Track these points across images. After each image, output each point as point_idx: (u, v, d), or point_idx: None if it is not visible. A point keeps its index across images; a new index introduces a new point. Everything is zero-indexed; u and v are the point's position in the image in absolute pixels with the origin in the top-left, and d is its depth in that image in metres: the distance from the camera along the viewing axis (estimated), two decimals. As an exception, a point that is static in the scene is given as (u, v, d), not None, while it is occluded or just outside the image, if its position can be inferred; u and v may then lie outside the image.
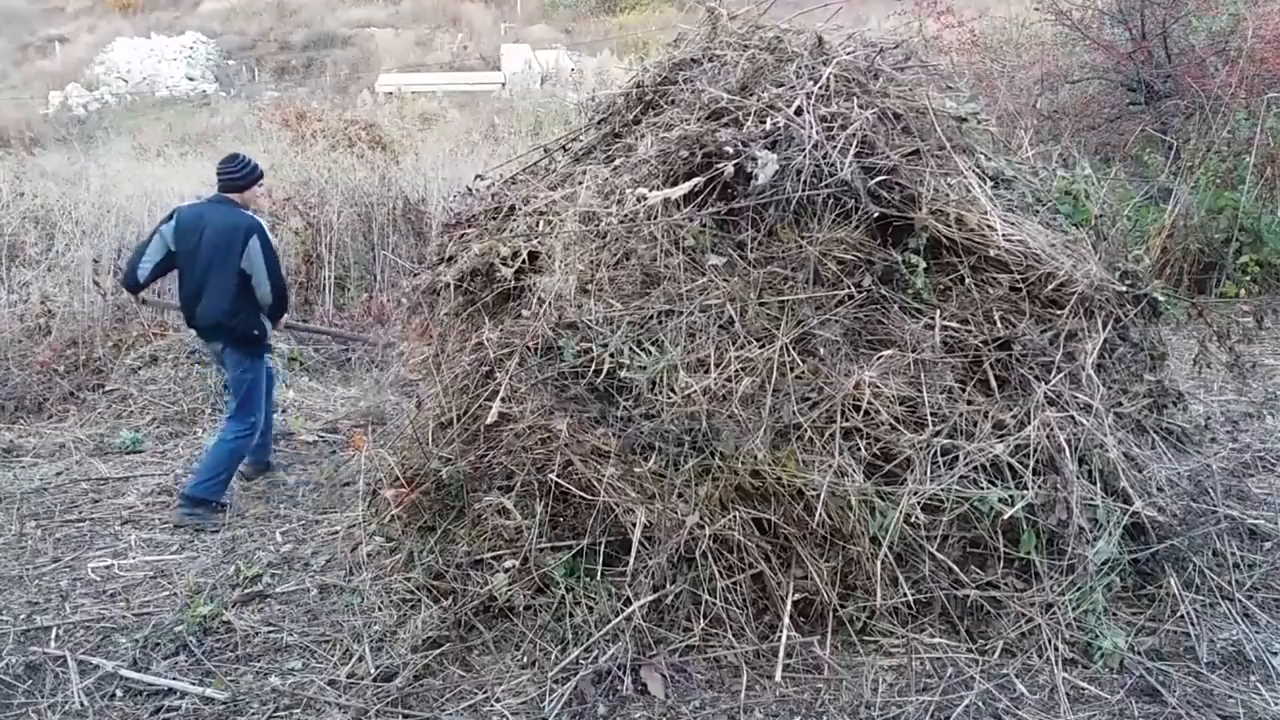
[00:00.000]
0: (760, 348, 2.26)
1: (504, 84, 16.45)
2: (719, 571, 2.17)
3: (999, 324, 2.39)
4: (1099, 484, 2.29)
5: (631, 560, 2.14)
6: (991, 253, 2.43)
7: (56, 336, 4.86)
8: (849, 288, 2.36)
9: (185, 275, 3.16)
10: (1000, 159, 2.84)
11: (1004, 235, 2.44)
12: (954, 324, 2.38)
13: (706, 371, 2.21)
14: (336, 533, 2.92)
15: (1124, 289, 2.59)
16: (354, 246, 6.13)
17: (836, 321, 2.34)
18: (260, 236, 3.13)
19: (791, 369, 2.26)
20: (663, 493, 2.15)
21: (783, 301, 2.32)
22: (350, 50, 23.04)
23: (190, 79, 21.12)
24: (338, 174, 6.46)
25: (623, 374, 2.21)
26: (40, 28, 24.57)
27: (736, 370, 2.21)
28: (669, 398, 2.18)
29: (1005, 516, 2.16)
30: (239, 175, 3.24)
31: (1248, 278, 5.08)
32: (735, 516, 2.17)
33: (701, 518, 2.15)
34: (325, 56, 22.64)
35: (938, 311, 2.38)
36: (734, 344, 2.27)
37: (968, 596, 2.19)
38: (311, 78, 21.11)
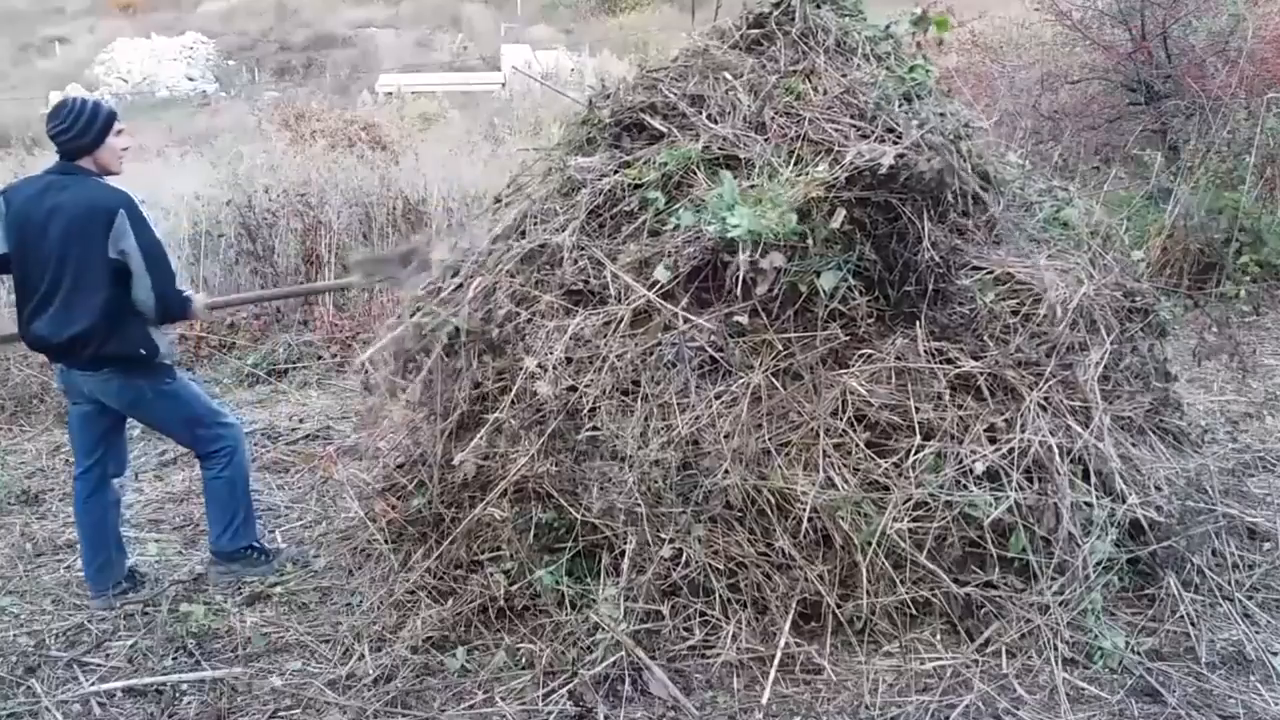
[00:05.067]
0: (741, 377, 2.26)
1: (504, 84, 16.46)
2: (716, 575, 2.17)
3: (990, 342, 2.37)
4: (1094, 484, 2.30)
5: (623, 580, 2.14)
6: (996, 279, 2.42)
7: (56, 337, 4.84)
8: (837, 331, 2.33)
9: (28, 281, 2.33)
10: (1021, 180, 2.79)
11: (1020, 273, 2.44)
12: (942, 343, 2.37)
13: (685, 411, 2.20)
14: (335, 535, 2.92)
15: (1128, 305, 2.59)
16: (355, 247, 6.13)
17: (816, 348, 2.33)
18: (131, 213, 2.27)
19: (771, 395, 2.26)
20: (650, 515, 2.15)
21: (763, 340, 2.31)
22: (350, 50, 23.06)
23: (190, 79, 21.14)
24: (337, 174, 6.46)
25: (606, 439, 2.19)
26: (40, 28, 24.57)
27: (717, 408, 2.21)
28: (644, 446, 2.18)
29: (989, 520, 2.16)
30: (76, 130, 2.30)
31: (1248, 278, 5.07)
32: (722, 531, 2.17)
33: (690, 536, 2.15)
34: (325, 57, 22.66)
35: (918, 322, 2.38)
36: (713, 382, 2.27)
37: (968, 598, 2.19)
38: (312, 78, 21.11)
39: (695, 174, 2.40)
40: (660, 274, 2.29)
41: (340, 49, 23.08)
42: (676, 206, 2.38)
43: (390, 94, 15.51)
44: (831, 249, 2.29)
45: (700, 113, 2.52)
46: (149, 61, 21.16)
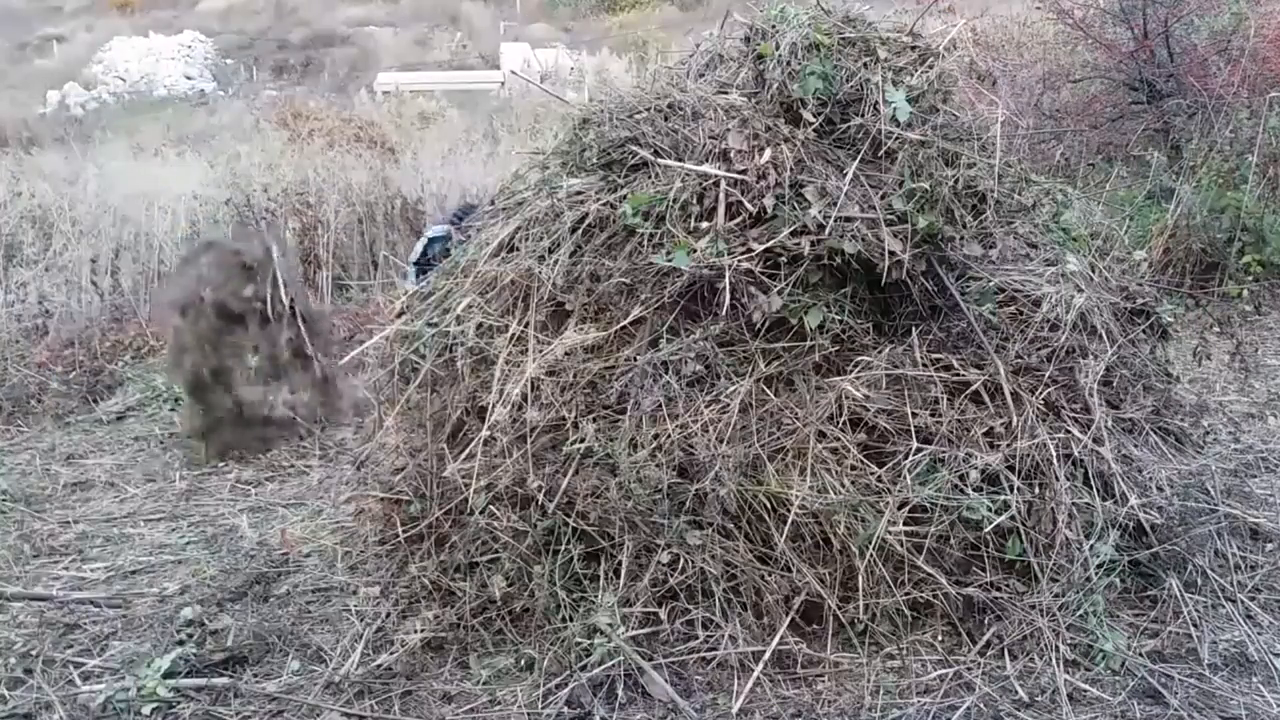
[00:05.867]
0: (731, 384, 2.26)
1: (503, 83, 16.41)
2: (715, 579, 2.16)
3: (989, 351, 2.36)
4: (1096, 486, 2.29)
5: (620, 586, 2.14)
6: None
7: (54, 337, 4.85)
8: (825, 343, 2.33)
9: None
10: (1019, 182, 2.76)
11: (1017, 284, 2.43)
12: (942, 354, 2.36)
13: (674, 418, 2.20)
14: (335, 535, 2.91)
15: (1129, 307, 2.58)
16: (353, 246, 6.11)
17: (808, 356, 2.32)
18: None
19: (763, 404, 2.26)
20: (644, 523, 2.15)
21: (756, 350, 2.31)
22: (349, 49, 23.02)
23: (188, 78, 21.10)
24: (336, 173, 6.45)
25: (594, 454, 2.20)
26: (38, 27, 24.53)
27: (709, 416, 2.21)
28: (633, 456, 2.17)
29: (988, 529, 2.16)
30: None
31: (1250, 278, 5.07)
32: (719, 537, 2.17)
33: (685, 541, 2.15)
34: (324, 55, 22.62)
35: (915, 330, 2.37)
36: (704, 391, 2.26)
37: (969, 600, 2.19)
38: (310, 76, 21.09)
39: (674, 206, 2.37)
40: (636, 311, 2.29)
41: (338, 47, 23.04)
42: (662, 230, 2.36)
43: (388, 92, 15.47)
44: (821, 286, 2.30)
45: (680, 149, 2.45)
46: (147, 60, 21.11)
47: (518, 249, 2.55)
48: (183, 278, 3.64)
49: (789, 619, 2.16)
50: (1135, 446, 2.46)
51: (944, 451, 2.24)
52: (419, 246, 4.11)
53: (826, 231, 2.26)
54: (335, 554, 2.76)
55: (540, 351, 2.34)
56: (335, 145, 7.93)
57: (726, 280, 2.23)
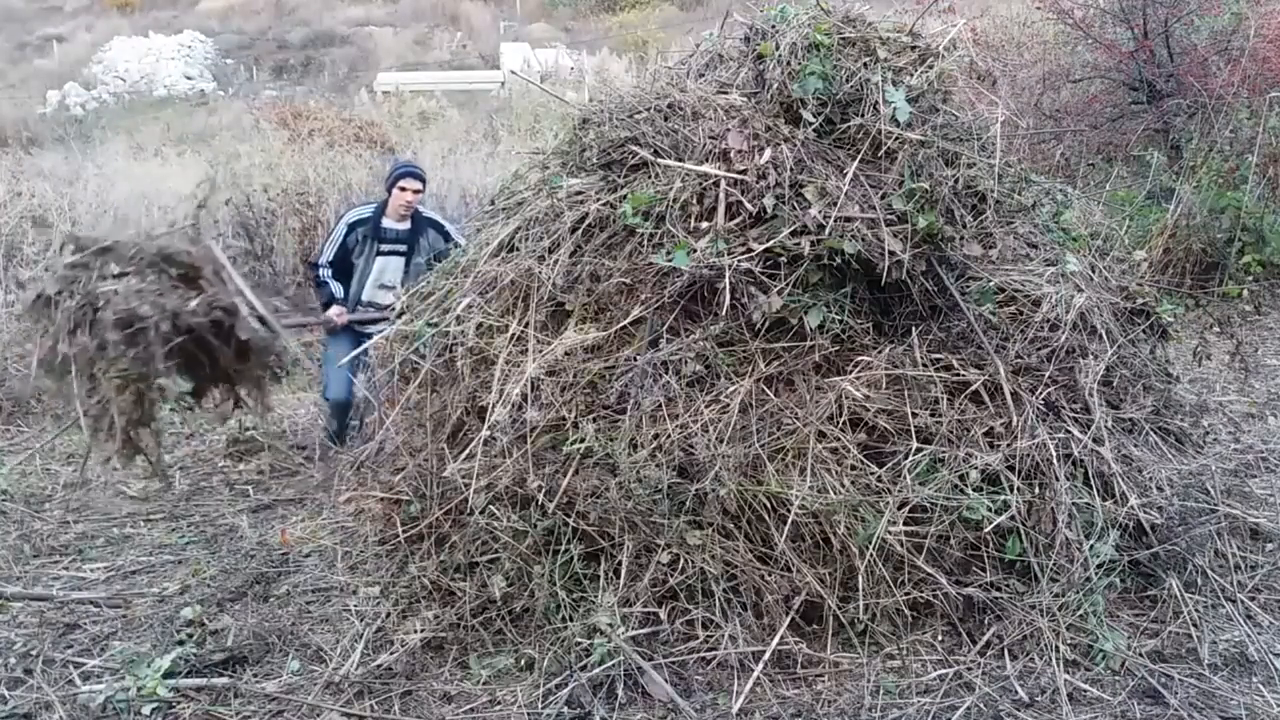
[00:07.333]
0: (731, 384, 2.26)
1: (503, 83, 16.42)
2: (715, 579, 2.16)
3: (989, 351, 2.36)
4: (1096, 486, 2.29)
5: (620, 586, 2.14)
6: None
7: (54, 336, 4.83)
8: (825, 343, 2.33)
9: None
10: (1019, 182, 2.75)
11: (1019, 283, 2.43)
12: (942, 354, 2.36)
13: (674, 418, 2.20)
14: (335, 535, 2.91)
15: (1129, 307, 2.58)
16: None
17: (808, 356, 2.32)
18: None
19: (763, 404, 2.26)
20: (645, 523, 2.15)
21: (756, 350, 2.31)
22: (348, 49, 23.03)
23: (188, 78, 21.10)
24: (336, 173, 6.45)
25: (594, 452, 2.19)
26: (38, 26, 24.55)
27: (709, 416, 2.21)
28: (633, 456, 2.17)
29: (988, 529, 2.16)
30: None
31: (1250, 278, 5.07)
32: (719, 536, 2.17)
33: (685, 541, 2.15)
34: (323, 55, 22.64)
35: (915, 330, 2.37)
36: (704, 391, 2.27)
37: (969, 600, 2.19)
38: (310, 76, 21.11)
39: (674, 206, 2.37)
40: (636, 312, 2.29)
41: (338, 47, 23.07)
42: (662, 230, 2.36)
43: (388, 92, 15.47)
44: (821, 286, 2.30)
45: (680, 149, 2.44)
46: (147, 60, 21.13)
47: (518, 249, 2.56)
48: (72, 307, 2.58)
49: (789, 619, 2.16)
50: (1135, 446, 2.46)
51: (944, 451, 2.24)
52: (339, 233, 3.37)
53: (826, 231, 2.27)
54: (335, 554, 2.76)
55: (540, 351, 2.34)
56: (335, 145, 7.93)
57: (726, 280, 2.24)
